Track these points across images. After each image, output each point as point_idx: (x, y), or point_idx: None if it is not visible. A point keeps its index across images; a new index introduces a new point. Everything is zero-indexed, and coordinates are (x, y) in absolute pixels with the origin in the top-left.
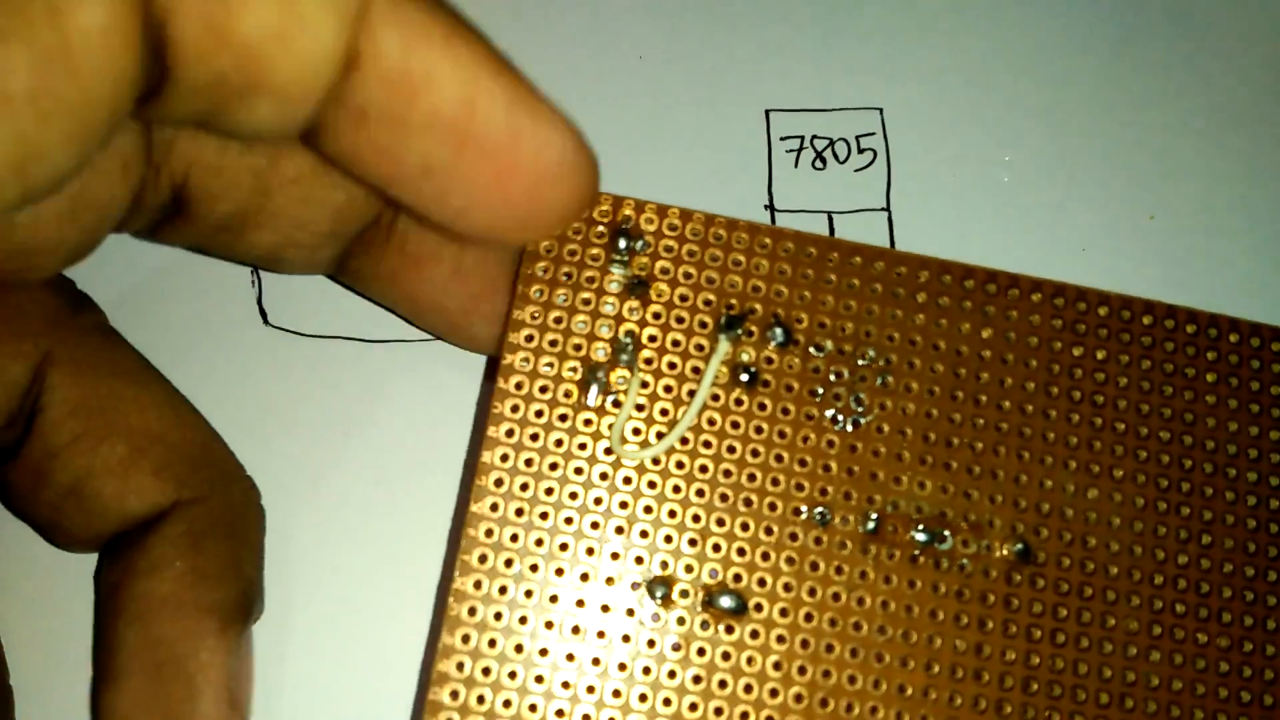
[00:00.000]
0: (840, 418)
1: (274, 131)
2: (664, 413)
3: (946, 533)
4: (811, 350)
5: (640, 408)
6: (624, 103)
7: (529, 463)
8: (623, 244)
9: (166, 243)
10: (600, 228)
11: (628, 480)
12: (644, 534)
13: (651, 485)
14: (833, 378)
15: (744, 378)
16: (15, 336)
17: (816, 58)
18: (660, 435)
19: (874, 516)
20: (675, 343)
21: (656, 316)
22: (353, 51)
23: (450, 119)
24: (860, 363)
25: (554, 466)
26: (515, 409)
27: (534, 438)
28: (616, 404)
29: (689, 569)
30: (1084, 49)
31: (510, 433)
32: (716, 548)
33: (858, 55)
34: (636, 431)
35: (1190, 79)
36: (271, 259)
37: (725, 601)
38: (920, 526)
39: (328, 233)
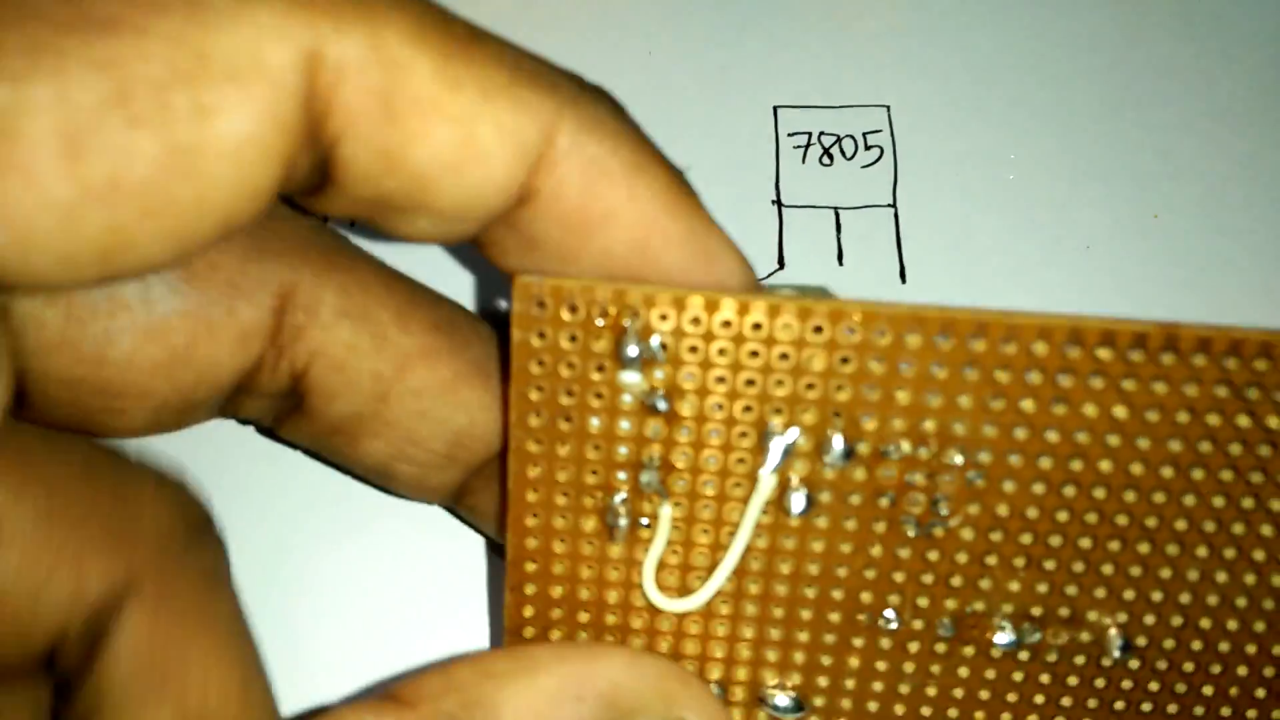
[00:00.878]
0: (915, 526)
1: (432, 240)
2: (703, 541)
3: (1035, 629)
4: (882, 455)
5: (673, 541)
6: (632, 98)
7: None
8: (633, 351)
9: (285, 439)
10: (601, 334)
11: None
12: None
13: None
14: (908, 482)
15: (797, 505)
16: (104, 548)
17: (824, 55)
18: (698, 571)
19: (948, 621)
20: (711, 460)
21: (685, 433)
22: (529, 187)
23: (623, 258)
24: (945, 462)
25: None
26: (533, 565)
27: (558, 602)
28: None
29: (742, 673)
30: (1090, 48)
31: (531, 600)
32: (772, 656)
33: (865, 53)
34: (674, 567)
35: (1195, 79)
36: (383, 472)
37: (781, 701)
38: (1005, 626)
39: (444, 455)
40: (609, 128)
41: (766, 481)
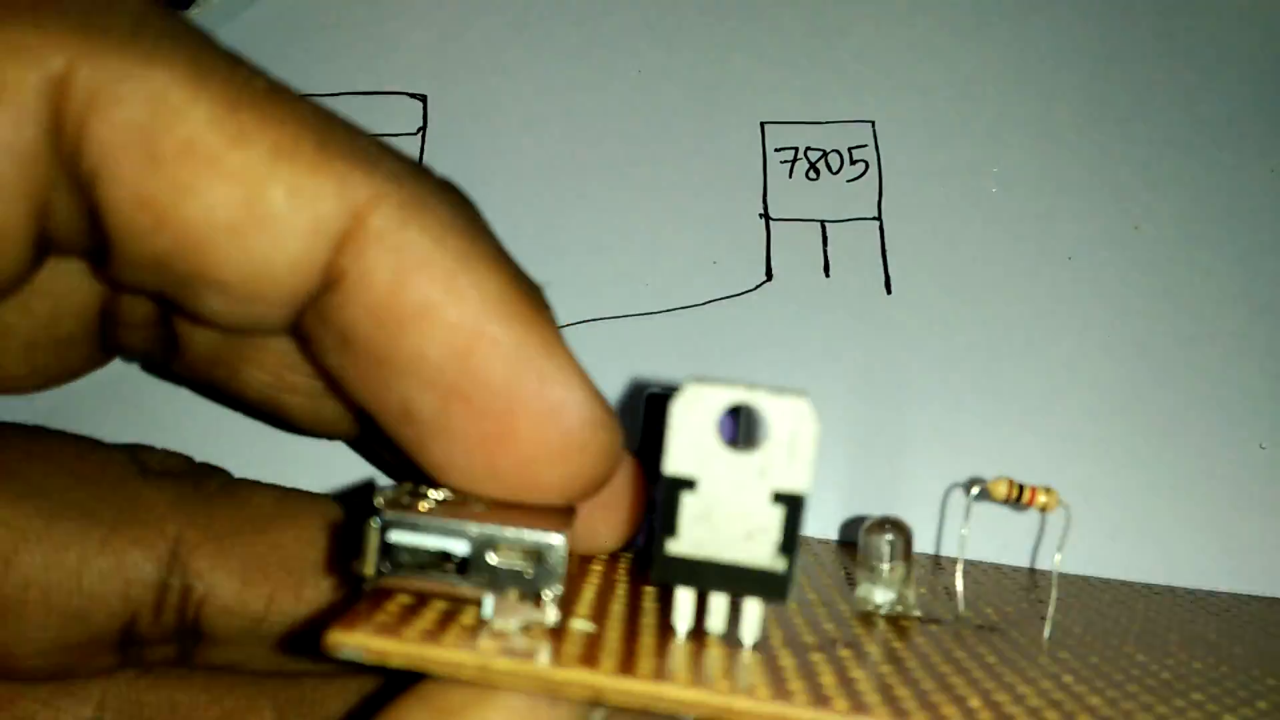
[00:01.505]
0: None
1: (236, 326)
2: None
3: None
4: None
5: None
6: (623, 116)
7: None
8: None
9: (179, 377)
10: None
11: None
12: None
13: None
14: None
15: None
16: (136, 535)
17: (811, 72)
18: None
19: None
20: None
21: None
22: (334, 268)
23: (438, 364)
24: None
25: None
26: None
27: None
28: None
29: None
30: (1071, 65)
31: None
32: None
33: (851, 70)
34: None
35: (1175, 94)
36: (274, 405)
37: None
38: None
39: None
40: (437, 215)
41: None
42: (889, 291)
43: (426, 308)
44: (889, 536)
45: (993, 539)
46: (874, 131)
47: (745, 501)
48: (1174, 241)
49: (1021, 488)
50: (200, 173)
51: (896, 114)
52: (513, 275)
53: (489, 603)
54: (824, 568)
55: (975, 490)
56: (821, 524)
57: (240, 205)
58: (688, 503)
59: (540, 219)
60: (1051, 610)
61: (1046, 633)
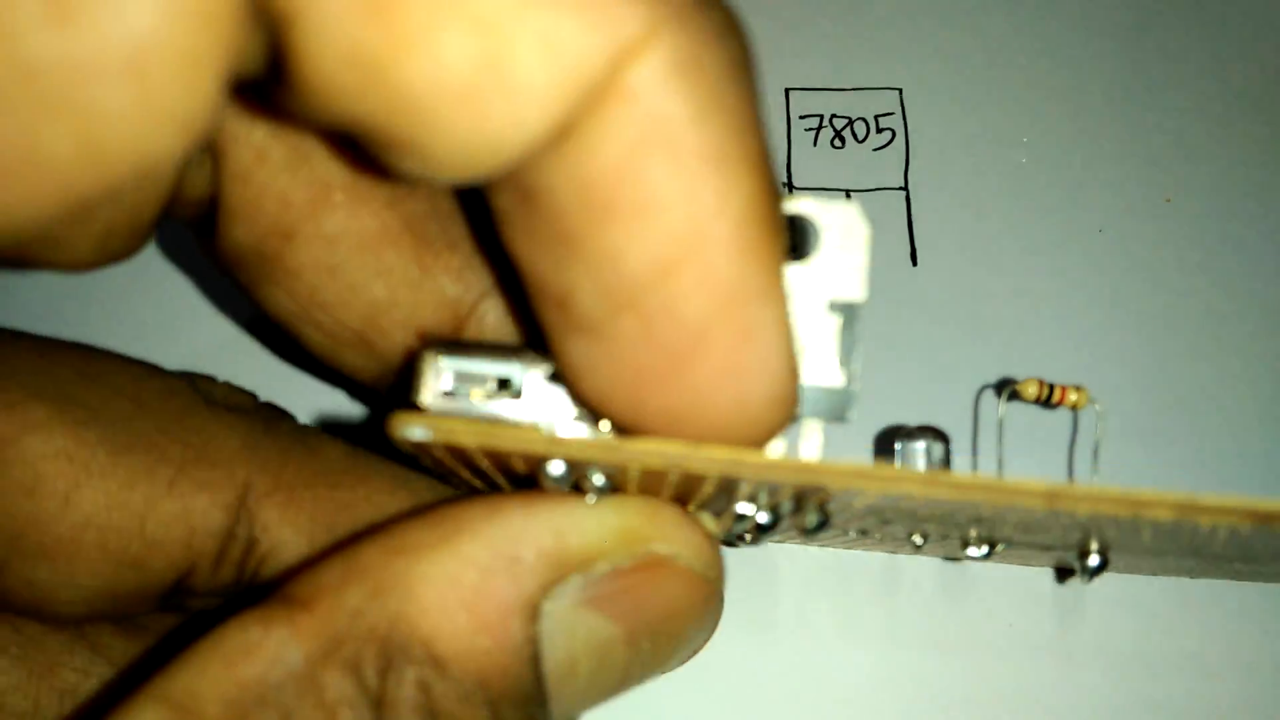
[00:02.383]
0: None
1: (418, 182)
2: None
3: None
4: None
5: None
6: None
7: None
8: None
9: (207, 258)
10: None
11: None
12: None
13: None
14: None
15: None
16: (204, 477)
17: (837, 38)
18: None
19: None
20: None
21: None
22: (566, 125)
23: (632, 270)
24: None
25: None
26: None
27: None
28: None
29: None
30: (1102, 32)
31: None
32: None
33: (878, 36)
34: None
35: (1207, 63)
36: (291, 330)
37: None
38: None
39: (356, 333)
40: (710, 79)
41: None
42: (915, 262)
43: (652, 204)
44: (924, 444)
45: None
46: (901, 99)
47: (800, 315)
48: (1206, 214)
49: (1052, 387)
50: (432, 21)
51: (925, 81)
52: (768, 191)
53: (555, 418)
54: None
55: (1007, 391)
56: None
57: (478, 64)
58: None
59: None
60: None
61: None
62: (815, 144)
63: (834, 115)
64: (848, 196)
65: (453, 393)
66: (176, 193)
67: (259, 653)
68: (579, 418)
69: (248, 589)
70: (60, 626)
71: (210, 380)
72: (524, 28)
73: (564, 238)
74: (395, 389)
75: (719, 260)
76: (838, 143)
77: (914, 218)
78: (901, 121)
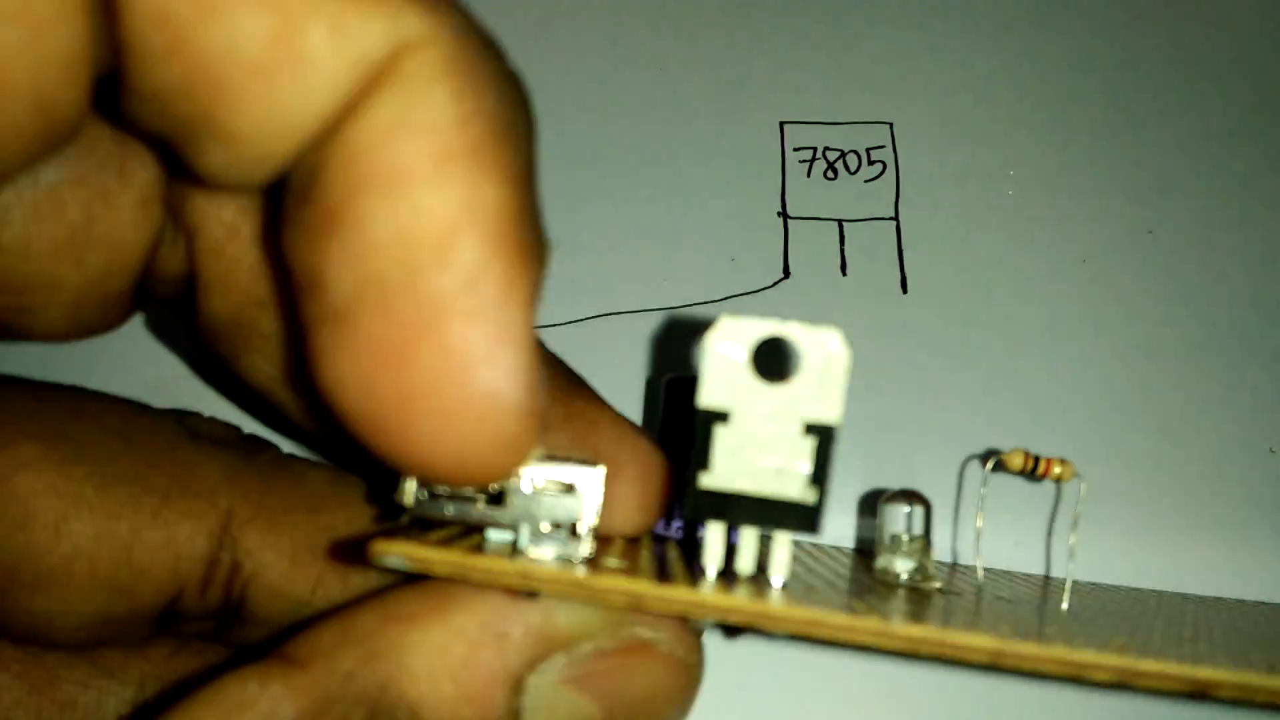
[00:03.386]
0: None
1: (226, 183)
2: None
3: None
4: None
5: None
6: (646, 113)
7: None
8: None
9: (199, 329)
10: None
11: None
12: None
13: None
14: None
15: None
16: (188, 507)
17: (830, 73)
18: None
19: None
20: None
21: None
22: (345, 108)
23: (380, 242)
24: None
25: None
26: None
27: None
28: None
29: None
30: (1087, 70)
31: None
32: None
33: (870, 72)
34: None
35: (1188, 100)
36: (271, 398)
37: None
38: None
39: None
40: (480, 92)
41: None
42: (905, 290)
43: (407, 179)
44: (907, 508)
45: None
46: (892, 133)
47: (777, 433)
48: (1187, 246)
49: (1037, 459)
50: None
51: (915, 116)
52: (522, 205)
53: (525, 532)
54: (842, 559)
55: (991, 462)
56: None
57: (271, 40)
58: (721, 435)
59: (561, 213)
60: (1070, 583)
61: (1065, 605)
62: (809, 175)
63: (827, 148)
64: (840, 227)
65: (435, 495)
66: (154, 270)
67: (255, 707)
68: (558, 526)
69: (236, 613)
70: (69, 668)
71: (196, 415)
72: (316, 10)
73: (326, 216)
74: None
75: (463, 245)
76: (830, 174)
77: (904, 247)
78: (893, 154)
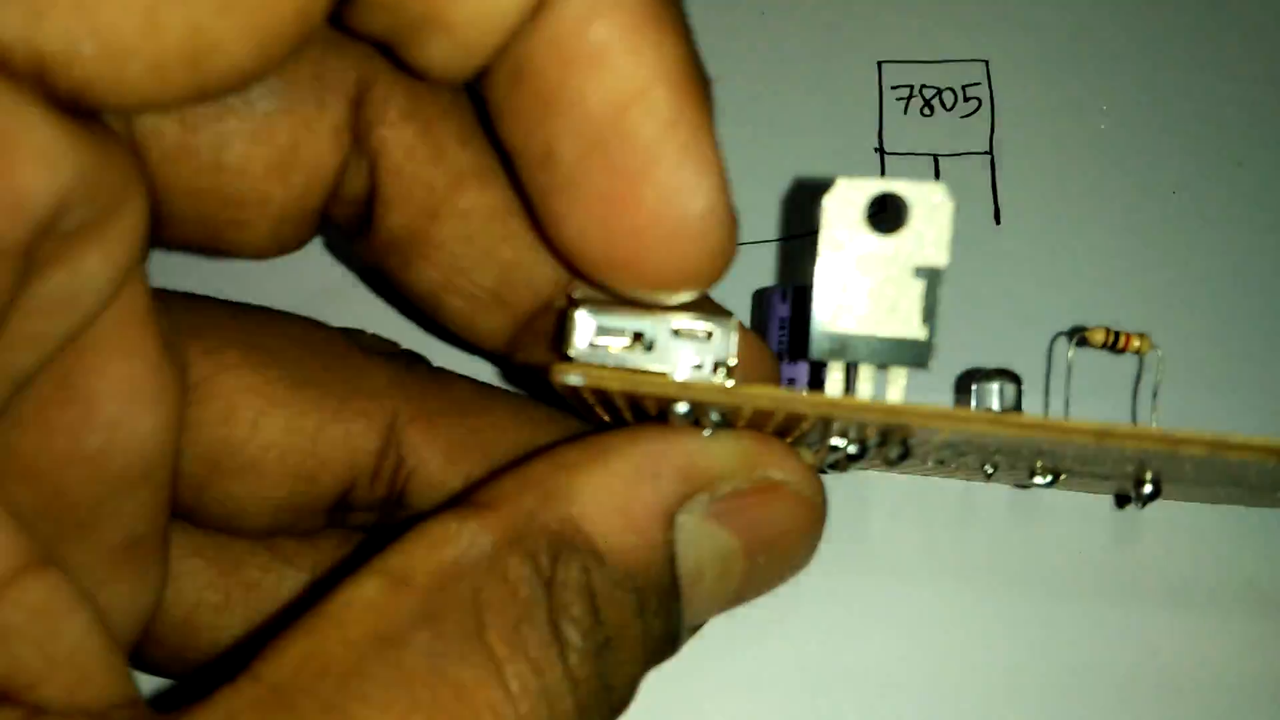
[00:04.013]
0: None
1: (446, 73)
2: None
3: None
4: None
5: None
6: (748, 55)
7: None
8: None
9: (358, 258)
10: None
11: None
12: None
13: None
14: None
15: None
16: (362, 407)
17: (927, 12)
18: None
19: None
20: None
21: None
22: (539, 3)
23: (595, 111)
24: None
25: None
26: None
27: None
28: None
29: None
30: (1177, 7)
31: None
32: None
33: (966, 10)
34: None
35: (1276, 37)
36: (434, 303)
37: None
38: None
39: (491, 292)
40: None
41: None
42: (998, 222)
43: (604, 53)
44: (997, 384)
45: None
46: (988, 70)
47: (890, 278)
48: (1274, 180)
49: (1118, 334)
50: None
51: (1010, 53)
52: (692, 55)
53: (680, 367)
54: None
55: (1076, 338)
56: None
57: None
58: (839, 282)
59: None
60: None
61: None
62: (905, 113)
63: (923, 85)
64: (935, 161)
65: (596, 345)
66: (339, 192)
67: (457, 540)
68: (698, 368)
69: (399, 505)
70: (253, 553)
71: (360, 332)
72: None
73: (543, 97)
74: (555, 339)
75: (658, 99)
76: (927, 111)
77: (998, 180)
78: (987, 91)
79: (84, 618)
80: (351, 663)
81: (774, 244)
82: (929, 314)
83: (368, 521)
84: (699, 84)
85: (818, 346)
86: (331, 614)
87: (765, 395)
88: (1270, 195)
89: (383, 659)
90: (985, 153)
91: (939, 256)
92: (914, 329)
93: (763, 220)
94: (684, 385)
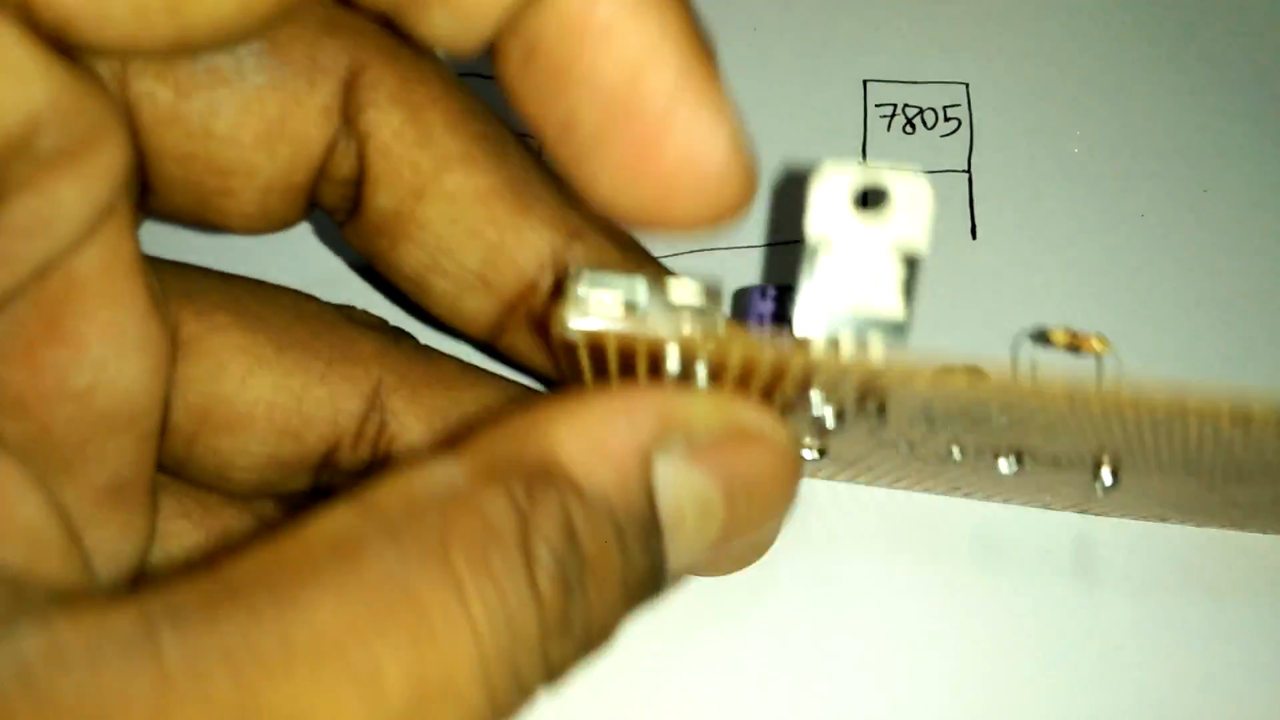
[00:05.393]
0: None
1: (450, 46)
2: None
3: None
4: None
5: None
6: (738, 70)
7: None
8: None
9: (349, 246)
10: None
11: None
12: None
13: None
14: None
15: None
16: (347, 372)
17: (912, 36)
18: None
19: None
20: None
21: None
22: None
23: (610, 81)
24: None
25: None
26: None
27: None
28: None
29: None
30: (1151, 39)
31: None
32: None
33: (949, 34)
34: None
35: (1245, 69)
36: (420, 285)
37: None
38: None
39: (476, 274)
40: None
41: None
42: (974, 237)
43: (614, 24)
44: None
45: None
46: (968, 92)
47: (872, 260)
48: (1238, 205)
49: (1075, 334)
50: None
51: (990, 77)
52: (691, 17)
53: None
54: None
55: (1037, 335)
56: None
57: None
58: (823, 261)
59: None
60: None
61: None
62: (889, 130)
63: (906, 105)
64: None
65: (594, 306)
66: (327, 171)
67: (430, 473)
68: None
69: (379, 467)
70: (233, 500)
71: (350, 307)
72: None
73: (558, 71)
74: (553, 295)
75: (667, 58)
76: (909, 129)
77: (975, 197)
78: (967, 112)
79: (38, 499)
80: (308, 566)
81: (759, 249)
82: (907, 296)
83: (352, 487)
84: (703, 43)
85: (802, 320)
86: (294, 531)
87: (757, 343)
88: (1234, 219)
89: (340, 566)
90: (964, 171)
91: (919, 242)
92: (893, 310)
93: (748, 226)
94: (686, 338)
